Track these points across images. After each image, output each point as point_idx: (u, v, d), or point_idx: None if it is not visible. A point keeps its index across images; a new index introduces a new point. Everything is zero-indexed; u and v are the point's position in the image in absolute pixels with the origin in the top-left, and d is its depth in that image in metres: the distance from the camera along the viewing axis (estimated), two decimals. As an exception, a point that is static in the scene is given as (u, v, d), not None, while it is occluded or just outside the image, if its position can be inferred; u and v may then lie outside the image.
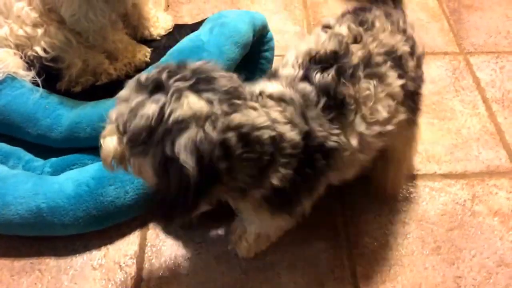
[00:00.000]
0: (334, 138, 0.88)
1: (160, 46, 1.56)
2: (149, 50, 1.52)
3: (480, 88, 1.54)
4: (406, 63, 0.97)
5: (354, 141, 0.90)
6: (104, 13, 1.30)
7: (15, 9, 1.30)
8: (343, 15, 1.03)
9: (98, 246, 1.18)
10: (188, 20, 1.72)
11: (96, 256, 1.17)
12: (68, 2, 1.27)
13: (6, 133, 1.31)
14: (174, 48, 1.32)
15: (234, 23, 1.31)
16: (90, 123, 1.24)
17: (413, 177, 1.32)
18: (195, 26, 1.55)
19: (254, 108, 0.80)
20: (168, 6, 1.79)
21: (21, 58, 1.35)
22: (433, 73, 1.58)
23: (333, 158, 0.89)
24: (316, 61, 0.91)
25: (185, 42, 1.32)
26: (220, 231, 1.21)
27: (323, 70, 0.90)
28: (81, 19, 1.30)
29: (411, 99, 1.00)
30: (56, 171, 1.22)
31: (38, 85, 1.33)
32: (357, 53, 0.92)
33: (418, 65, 1.03)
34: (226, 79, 0.79)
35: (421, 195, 1.29)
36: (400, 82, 0.94)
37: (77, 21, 1.31)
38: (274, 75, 0.94)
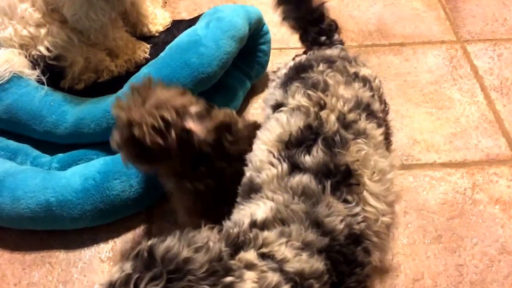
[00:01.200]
0: (359, 218, 0.75)
1: (159, 42, 1.58)
2: (148, 46, 1.55)
3: (478, 76, 1.56)
4: (374, 107, 0.91)
5: (376, 204, 0.78)
6: (104, 12, 1.33)
7: (19, 10, 1.33)
8: (284, 84, 0.95)
9: (105, 239, 1.21)
10: (185, 15, 1.74)
11: (104, 249, 1.20)
12: (69, 2, 1.30)
13: (13, 131, 1.34)
14: (173, 43, 1.35)
15: (229, 17, 1.33)
16: (94, 119, 1.27)
17: (412, 167, 1.34)
18: (192, 22, 1.57)
19: (253, 268, 0.64)
20: (166, 2, 1.81)
21: (25, 57, 1.38)
22: (430, 62, 1.60)
23: (367, 239, 0.76)
24: (294, 144, 0.81)
25: (183, 37, 1.34)
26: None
27: (308, 149, 0.80)
28: (82, 18, 1.33)
29: (386, 137, 0.93)
30: (63, 167, 1.25)
31: (43, 83, 1.36)
32: (329, 118, 0.84)
33: (381, 101, 0.97)
34: (203, 253, 0.61)
35: (421, 185, 1.30)
36: (380, 130, 0.87)
37: (79, 20, 1.34)
38: (254, 189, 0.79)
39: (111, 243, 1.21)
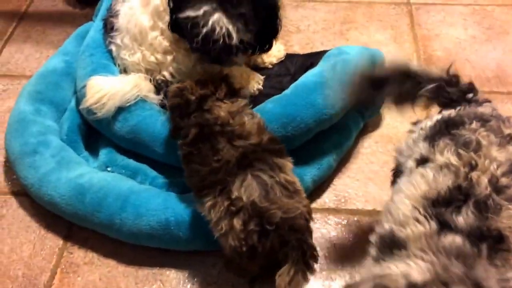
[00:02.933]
0: (511, 283, 0.74)
1: (271, 74, 1.62)
2: (261, 77, 1.59)
3: None
4: None
5: None
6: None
7: (149, 37, 1.42)
8: (430, 138, 0.93)
9: (213, 263, 1.26)
10: (297, 49, 1.78)
11: (212, 272, 1.24)
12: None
13: (134, 150, 1.42)
14: (298, 82, 1.38)
15: (356, 61, 1.35)
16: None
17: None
18: (307, 57, 1.61)
19: None
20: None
21: (150, 81, 1.47)
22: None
23: None
24: (441, 203, 0.80)
25: (309, 77, 1.37)
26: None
27: (458, 210, 0.79)
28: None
29: None
30: (184, 191, 1.31)
31: (164, 107, 1.43)
32: (481, 180, 0.82)
33: None
34: None
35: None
36: None
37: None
38: (397, 244, 0.80)
39: (217, 268, 1.25)
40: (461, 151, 0.86)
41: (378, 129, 1.53)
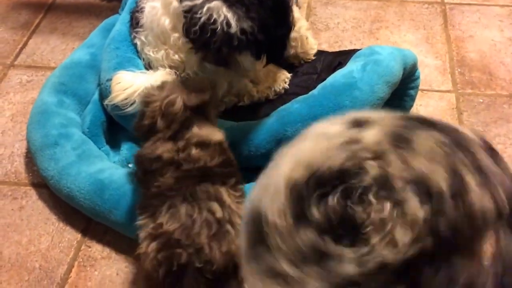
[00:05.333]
0: None
1: (298, 72, 1.58)
2: (288, 76, 1.55)
3: None
4: None
5: None
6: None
7: (171, 38, 1.39)
8: None
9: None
10: (326, 47, 1.72)
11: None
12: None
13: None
14: (327, 82, 1.33)
15: (387, 61, 1.30)
16: (232, 143, 1.29)
17: None
18: (337, 56, 1.56)
19: None
20: (307, 33, 1.81)
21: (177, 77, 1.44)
22: None
23: None
24: None
25: (338, 77, 1.32)
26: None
27: None
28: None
29: None
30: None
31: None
32: None
33: None
34: None
35: None
36: None
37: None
38: None
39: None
40: None
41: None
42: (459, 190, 0.68)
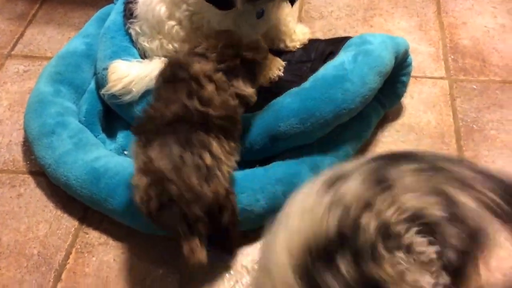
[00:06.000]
0: None
1: (292, 60, 1.59)
2: (283, 63, 1.56)
3: None
4: None
5: None
6: (249, 35, 1.36)
7: (166, 27, 1.41)
8: None
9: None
10: (320, 36, 1.73)
11: (227, 258, 1.23)
12: (217, 25, 1.35)
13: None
14: (318, 74, 1.33)
15: (378, 51, 1.30)
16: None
17: None
18: (330, 43, 1.57)
19: None
20: (300, 21, 1.82)
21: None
22: None
23: None
24: None
25: (329, 69, 1.32)
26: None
27: None
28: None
29: None
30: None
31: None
32: None
33: None
34: None
35: None
36: None
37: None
38: None
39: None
40: None
41: (399, 119, 1.50)
42: (453, 211, 0.71)
